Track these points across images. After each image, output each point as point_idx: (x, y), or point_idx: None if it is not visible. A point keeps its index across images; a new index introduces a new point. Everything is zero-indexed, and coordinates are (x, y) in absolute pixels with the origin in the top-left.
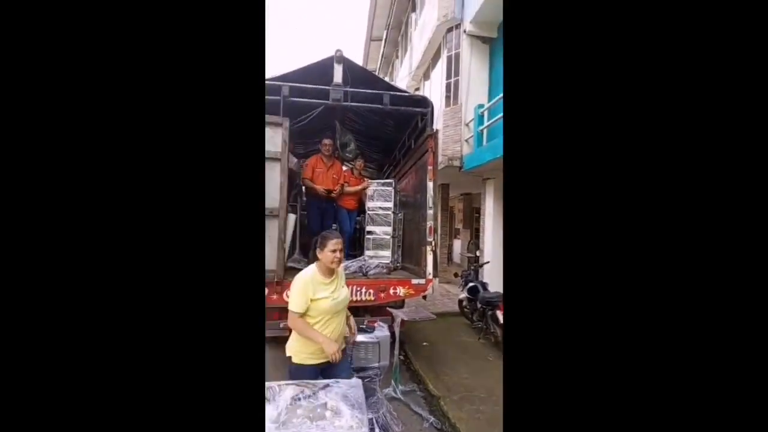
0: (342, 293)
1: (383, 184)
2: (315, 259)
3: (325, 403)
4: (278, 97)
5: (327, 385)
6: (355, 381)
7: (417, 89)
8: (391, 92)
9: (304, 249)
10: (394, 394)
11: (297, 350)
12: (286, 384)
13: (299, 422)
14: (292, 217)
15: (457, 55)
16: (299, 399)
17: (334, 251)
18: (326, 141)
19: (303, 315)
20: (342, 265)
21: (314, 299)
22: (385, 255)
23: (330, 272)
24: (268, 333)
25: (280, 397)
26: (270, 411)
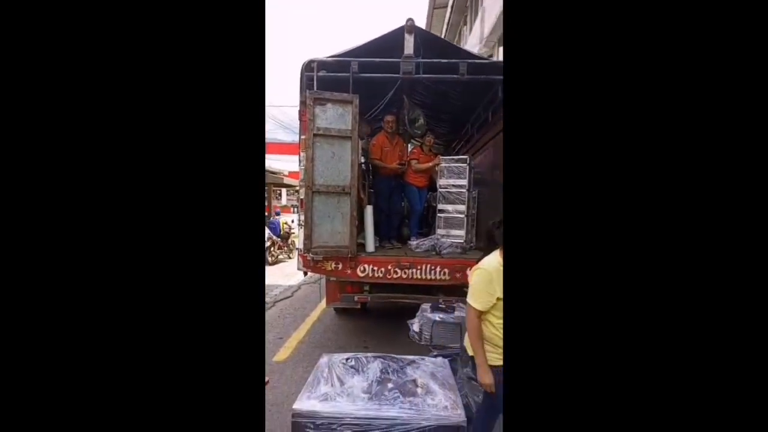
0: None
1: (456, 161)
2: (489, 245)
3: (415, 380)
4: (347, 74)
5: (413, 361)
6: (442, 360)
7: (490, 56)
8: (469, 60)
9: (375, 227)
10: (471, 374)
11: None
12: (374, 356)
13: (391, 396)
14: (369, 209)
15: None
16: (387, 372)
17: None
18: (388, 117)
19: (484, 313)
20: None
21: (501, 298)
22: (459, 234)
23: None
24: (342, 305)
25: (368, 369)
26: (360, 381)
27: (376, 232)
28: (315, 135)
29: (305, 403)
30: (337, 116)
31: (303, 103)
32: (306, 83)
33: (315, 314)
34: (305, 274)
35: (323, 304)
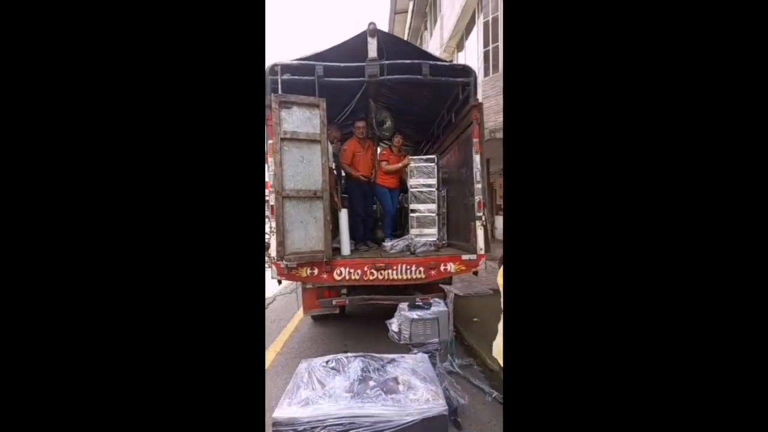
0: None
1: (425, 161)
2: None
3: (396, 378)
4: (312, 78)
5: (393, 359)
6: (421, 356)
7: (450, 61)
8: (431, 62)
9: (350, 231)
10: (451, 368)
11: None
12: (354, 356)
13: (373, 394)
14: (344, 212)
15: (495, 20)
16: (368, 371)
17: None
18: (359, 123)
19: None
20: None
21: None
22: (431, 233)
23: None
24: (320, 311)
25: (349, 368)
26: (341, 381)
27: (351, 236)
28: (282, 139)
29: (285, 411)
30: (305, 119)
31: (268, 106)
32: (270, 87)
33: (292, 325)
34: (279, 282)
35: (300, 313)
